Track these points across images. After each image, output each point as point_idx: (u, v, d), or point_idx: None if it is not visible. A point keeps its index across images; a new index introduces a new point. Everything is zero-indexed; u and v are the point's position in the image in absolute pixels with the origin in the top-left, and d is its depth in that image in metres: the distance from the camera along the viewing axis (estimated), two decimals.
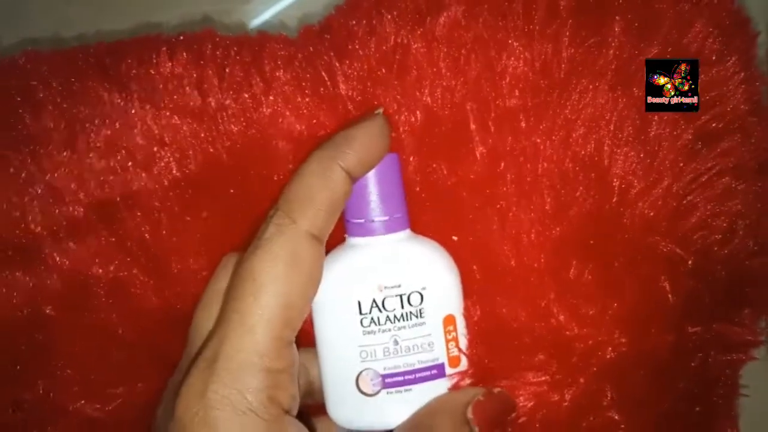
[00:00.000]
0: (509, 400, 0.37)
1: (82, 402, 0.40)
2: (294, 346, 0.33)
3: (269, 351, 0.31)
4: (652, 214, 0.38)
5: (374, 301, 0.35)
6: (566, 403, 0.37)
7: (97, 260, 0.40)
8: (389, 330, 0.36)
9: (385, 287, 0.35)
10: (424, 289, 0.36)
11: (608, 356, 0.38)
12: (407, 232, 0.37)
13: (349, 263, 0.36)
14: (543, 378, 0.38)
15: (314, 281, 0.34)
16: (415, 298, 0.36)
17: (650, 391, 0.39)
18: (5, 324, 0.40)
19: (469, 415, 0.35)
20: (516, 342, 0.38)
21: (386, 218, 0.36)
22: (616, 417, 0.38)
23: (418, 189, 0.39)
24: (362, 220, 0.36)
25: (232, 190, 0.41)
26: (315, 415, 0.40)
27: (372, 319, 0.35)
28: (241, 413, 0.30)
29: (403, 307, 0.36)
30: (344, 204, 0.35)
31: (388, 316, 0.35)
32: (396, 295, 0.35)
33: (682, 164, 0.38)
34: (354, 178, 0.35)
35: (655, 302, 0.38)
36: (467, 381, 0.37)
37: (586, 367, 0.37)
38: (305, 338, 0.41)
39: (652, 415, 0.39)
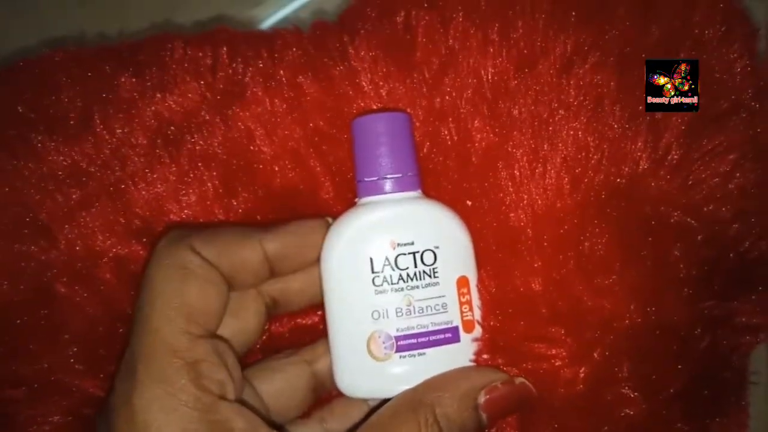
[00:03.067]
0: (529, 393, 0.35)
1: (86, 380, 0.39)
2: (212, 339, 0.33)
3: (181, 345, 0.31)
4: (663, 185, 0.38)
5: (387, 258, 0.34)
6: (581, 376, 0.36)
7: (104, 237, 0.40)
8: (402, 289, 0.34)
9: (398, 244, 0.35)
10: (437, 247, 0.35)
11: (623, 329, 0.36)
12: (419, 192, 0.36)
13: (361, 220, 0.35)
14: (557, 351, 0.36)
15: (211, 282, 0.33)
16: (429, 257, 0.35)
17: (663, 369, 0.37)
18: (14, 297, 0.39)
19: (481, 399, 0.34)
20: (531, 313, 0.37)
21: (399, 176, 0.35)
22: (632, 394, 0.37)
23: (426, 153, 0.39)
24: (374, 178, 0.35)
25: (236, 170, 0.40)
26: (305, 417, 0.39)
27: (384, 277, 0.34)
28: (171, 411, 0.29)
29: (416, 265, 0.35)
30: (245, 263, 0.35)
31: (401, 275, 0.34)
32: (409, 253, 0.35)
33: (688, 140, 0.39)
34: (267, 254, 0.35)
35: (668, 273, 0.37)
36: (485, 356, 0.36)
37: (602, 339, 0.36)
38: (303, 335, 0.40)
39: (665, 396, 0.37)
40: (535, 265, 0.37)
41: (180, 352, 0.30)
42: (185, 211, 0.40)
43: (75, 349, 0.39)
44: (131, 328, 0.32)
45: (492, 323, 0.36)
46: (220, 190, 0.41)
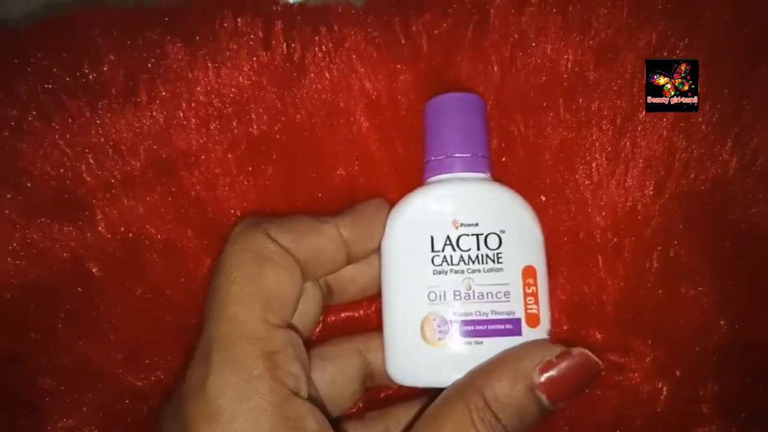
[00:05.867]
0: (592, 362, 0.30)
1: (124, 370, 0.37)
2: (288, 330, 0.31)
3: (258, 333, 0.29)
4: (751, 191, 0.35)
5: (448, 237, 0.32)
6: (663, 394, 0.32)
7: (149, 219, 0.38)
8: (462, 272, 0.32)
9: (462, 224, 0.33)
10: (503, 232, 0.33)
11: (709, 345, 0.33)
12: (488, 174, 0.34)
13: (424, 197, 0.33)
14: (636, 365, 0.33)
15: (288, 269, 0.32)
16: (493, 241, 0.33)
17: (745, 390, 0.33)
18: (49, 280, 0.37)
19: (536, 379, 0.29)
20: (607, 321, 0.34)
21: (468, 155, 0.34)
22: (709, 414, 0.33)
23: (495, 145, 0.37)
24: (441, 157, 0.34)
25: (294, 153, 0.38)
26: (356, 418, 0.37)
27: (444, 257, 0.32)
28: (245, 399, 0.28)
29: (479, 248, 0.32)
30: (322, 250, 0.33)
31: (462, 256, 0.32)
32: (472, 234, 0.32)
33: None
34: (344, 238, 0.33)
35: (760, 287, 0.34)
36: None
37: (685, 355, 0.33)
38: (357, 324, 0.39)
39: (742, 417, 0.33)
40: (615, 270, 0.34)
41: (257, 340, 0.29)
42: (243, 202, 0.38)
43: (112, 336, 0.37)
44: (205, 314, 0.31)
45: (564, 328, 0.33)
46: (280, 177, 0.38)
